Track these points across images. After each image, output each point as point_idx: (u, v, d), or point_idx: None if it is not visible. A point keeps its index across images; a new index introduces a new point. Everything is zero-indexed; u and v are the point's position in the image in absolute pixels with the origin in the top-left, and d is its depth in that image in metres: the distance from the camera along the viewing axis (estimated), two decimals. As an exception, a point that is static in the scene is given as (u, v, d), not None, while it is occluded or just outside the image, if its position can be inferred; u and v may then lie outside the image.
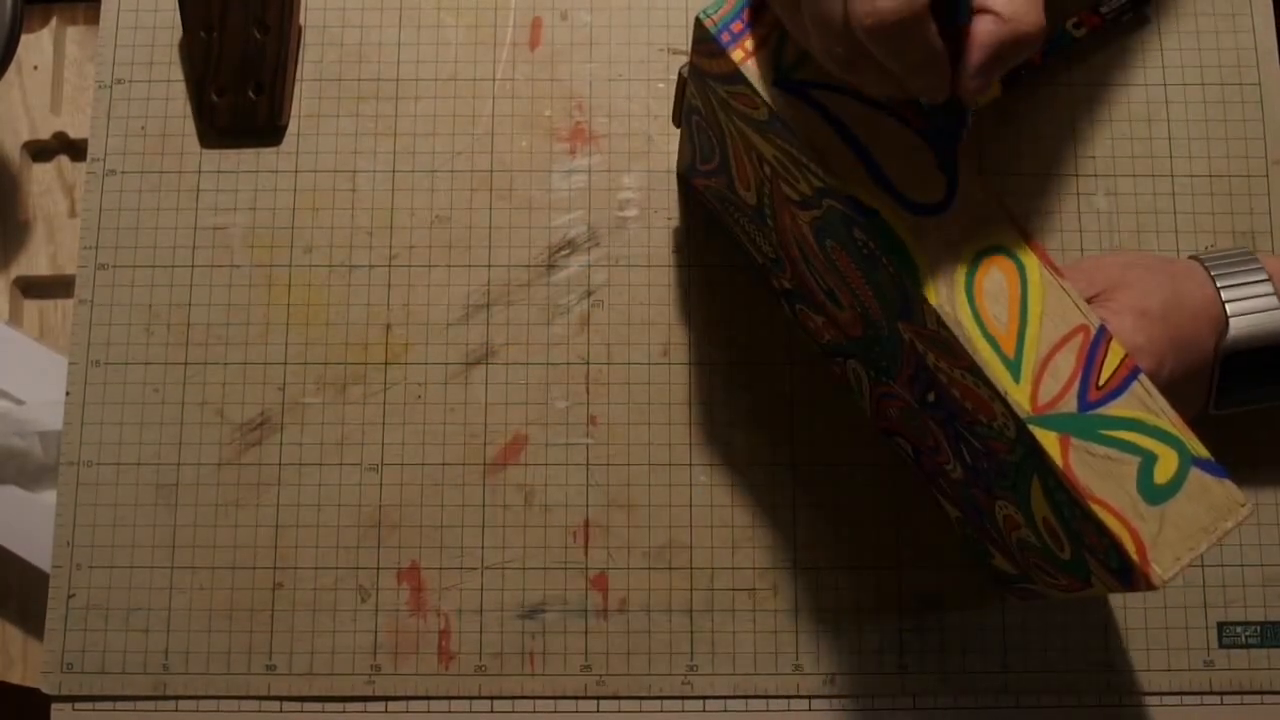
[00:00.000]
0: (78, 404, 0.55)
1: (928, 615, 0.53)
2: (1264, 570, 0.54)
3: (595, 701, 0.53)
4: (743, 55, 0.40)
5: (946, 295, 0.39)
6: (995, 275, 0.39)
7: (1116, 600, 0.53)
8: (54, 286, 0.59)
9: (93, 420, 0.55)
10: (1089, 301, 0.44)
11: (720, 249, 0.57)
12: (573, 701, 0.53)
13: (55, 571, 0.54)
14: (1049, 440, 0.38)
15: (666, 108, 0.58)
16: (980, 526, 0.49)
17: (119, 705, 0.53)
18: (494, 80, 0.59)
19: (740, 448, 0.55)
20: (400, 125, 0.58)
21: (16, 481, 0.55)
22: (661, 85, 0.58)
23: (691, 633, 0.53)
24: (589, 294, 0.56)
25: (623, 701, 0.53)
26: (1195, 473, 0.38)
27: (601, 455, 0.55)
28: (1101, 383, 0.38)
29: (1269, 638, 0.53)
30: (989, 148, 0.57)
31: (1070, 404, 0.38)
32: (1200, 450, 0.38)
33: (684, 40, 0.59)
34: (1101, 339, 0.38)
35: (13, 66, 0.56)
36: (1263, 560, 0.54)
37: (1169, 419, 0.38)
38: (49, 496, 0.55)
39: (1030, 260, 0.39)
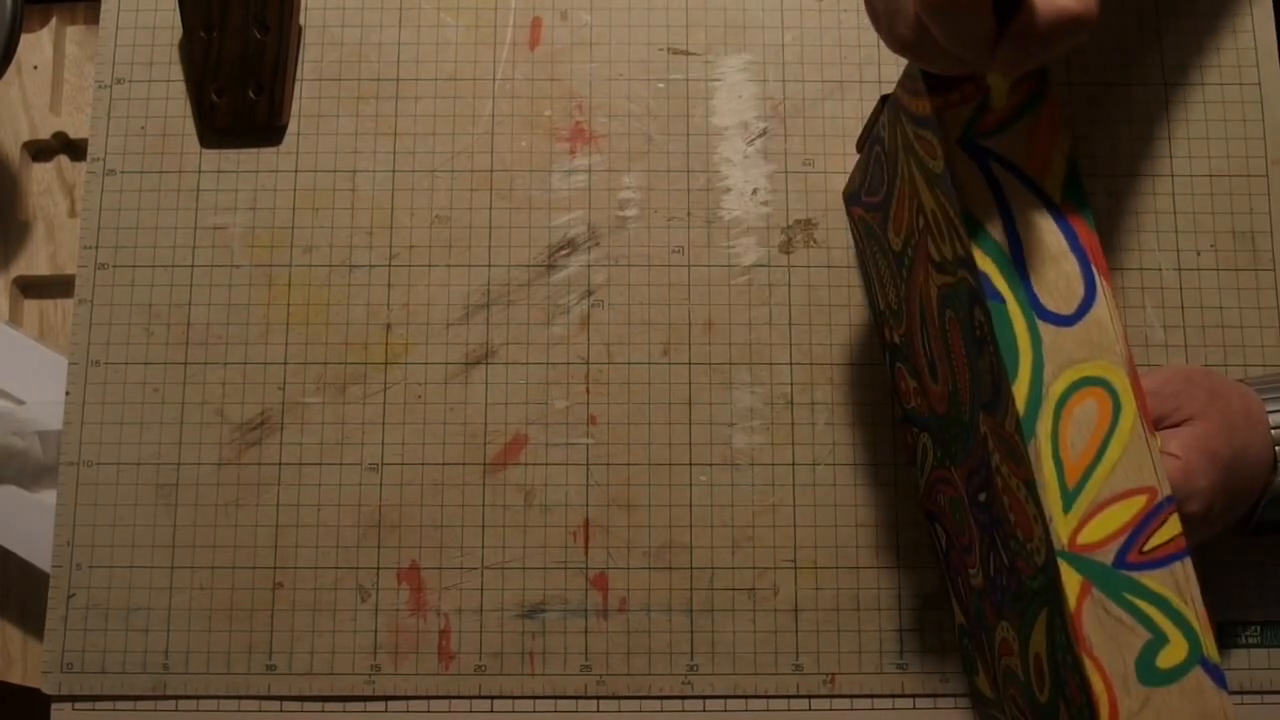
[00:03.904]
0: (78, 404, 0.55)
1: (928, 615, 0.53)
2: (1264, 570, 0.54)
3: (595, 701, 0.53)
4: (943, 104, 0.41)
5: (1035, 404, 0.38)
6: (1089, 405, 0.39)
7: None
8: (54, 286, 0.59)
9: (93, 420, 0.55)
10: (1168, 421, 0.44)
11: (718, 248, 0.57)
12: (573, 701, 0.53)
13: (55, 571, 0.54)
14: (1071, 580, 0.37)
15: (667, 107, 0.58)
16: (978, 640, 0.50)
17: (119, 705, 0.53)
18: (494, 80, 0.59)
19: (740, 448, 0.55)
20: (400, 125, 0.58)
21: (16, 481, 0.55)
22: (661, 85, 0.58)
23: (691, 633, 0.53)
24: (589, 294, 0.56)
25: (623, 701, 0.53)
26: (1198, 672, 0.37)
27: (601, 455, 0.55)
28: (1146, 548, 0.38)
29: (1269, 638, 0.53)
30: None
31: (1108, 555, 0.38)
32: (1214, 654, 0.37)
33: (684, 40, 0.59)
34: (1164, 508, 0.38)
35: (12, 66, 0.56)
36: (1263, 560, 0.54)
37: (1195, 611, 0.37)
38: (49, 496, 0.55)
39: (1129, 406, 0.39)
